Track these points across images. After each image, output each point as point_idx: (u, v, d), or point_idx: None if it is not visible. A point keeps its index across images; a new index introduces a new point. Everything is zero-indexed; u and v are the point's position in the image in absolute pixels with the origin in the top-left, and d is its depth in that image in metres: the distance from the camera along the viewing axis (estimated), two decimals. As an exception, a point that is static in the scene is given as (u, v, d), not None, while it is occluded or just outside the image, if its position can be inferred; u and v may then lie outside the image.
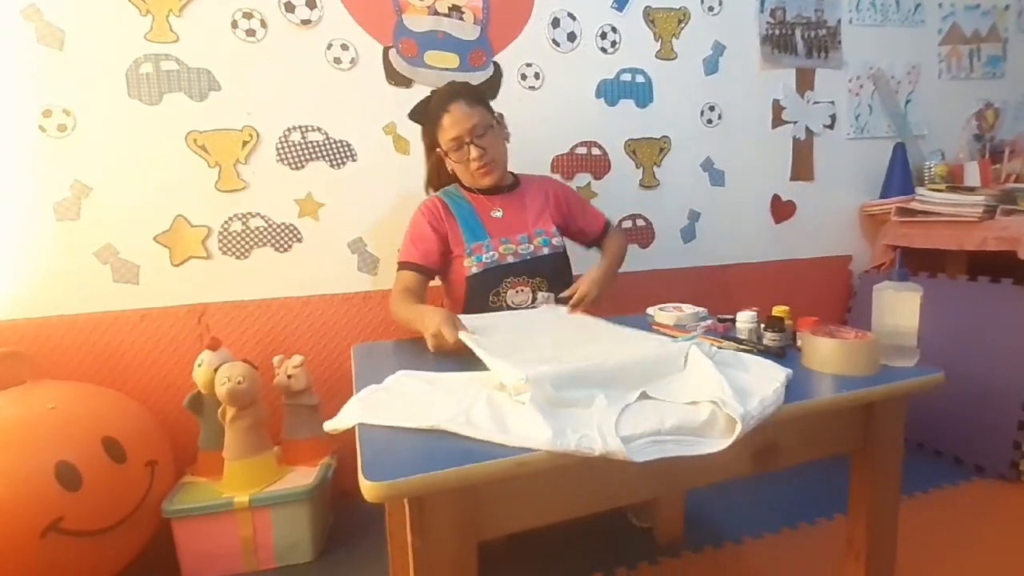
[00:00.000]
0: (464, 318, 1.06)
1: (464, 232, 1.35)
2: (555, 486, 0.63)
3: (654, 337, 0.97)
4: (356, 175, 1.64)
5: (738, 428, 0.61)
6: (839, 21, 2.07)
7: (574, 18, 1.78)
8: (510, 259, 1.33)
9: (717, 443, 0.62)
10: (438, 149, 1.36)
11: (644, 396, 0.70)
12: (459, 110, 1.28)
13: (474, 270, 1.31)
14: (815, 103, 2.08)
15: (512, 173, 1.46)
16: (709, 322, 1.09)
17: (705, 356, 0.77)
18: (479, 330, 0.99)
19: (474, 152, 1.30)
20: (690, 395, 0.69)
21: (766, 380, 0.72)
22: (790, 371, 0.75)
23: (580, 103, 1.82)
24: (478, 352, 0.82)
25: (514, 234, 1.36)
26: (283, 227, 1.61)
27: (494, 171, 1.34)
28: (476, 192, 1.39)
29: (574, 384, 0.69)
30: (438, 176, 1.46)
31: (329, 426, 0.70)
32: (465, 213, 1.37)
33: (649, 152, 1.91)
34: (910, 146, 2.16)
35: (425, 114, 1.35)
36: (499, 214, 1.38)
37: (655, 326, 1.13)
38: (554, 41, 1.77)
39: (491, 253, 1.32)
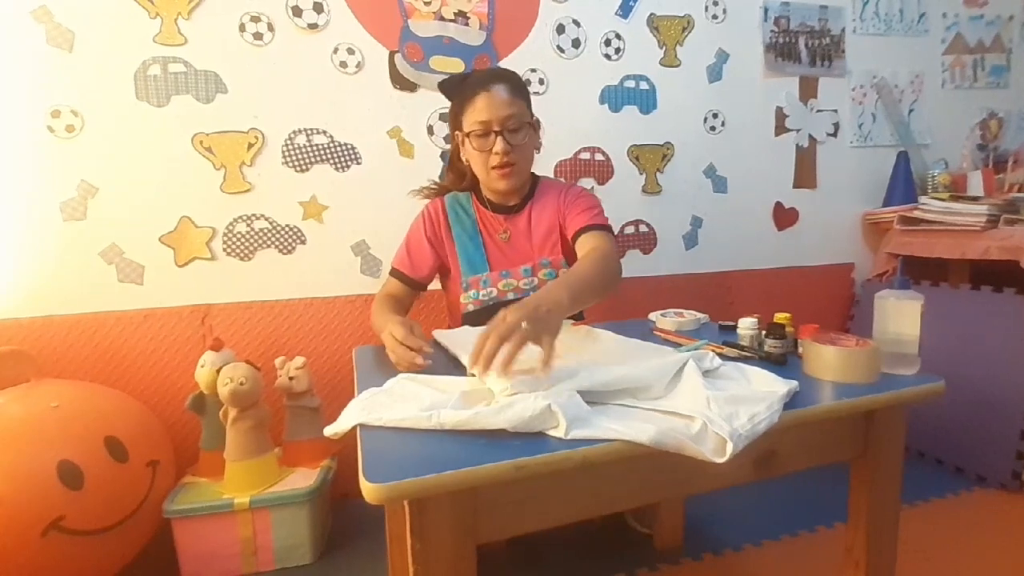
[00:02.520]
0: (456, 332, 1.02)
1: (462, 260, 1.24)
2: (554, 490, 0.63)
3: (654, 347, 0.93)
4: (360, 178, 1.65)
5: (729, 447, 0.59)
6: (843, 30, 2.08)
7: (579, 25, 1.79)
8: (510, 295, 1.20)
9: (707, 454, 0.60)
10: (458, 132, 1.19)
11: (624, 405, 0.70)
12: (499, 94, 1.12)
13: (471, 308, 1.21)
14: (818, 111, 2.08)
15: (533, 174, 1.29)
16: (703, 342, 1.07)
17: (697, 372, 0.75)
18: (468, 344, 0.92)
19: (500, 146, 1.12)
20: (674, 406, 0.68)
21: (764, 394, 0.70)
22: (795, 383, 0.73)
23: (584, 109, 1.83)
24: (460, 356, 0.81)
25: (516, 266, 1.22)
26: (287, 229, 1.62)
27: (513, 176, 1.17)
28: (486, 207, 1.27)
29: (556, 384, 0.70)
30: (451, 168, 1.31)
31: (330, 430, 0.70)
32: (465, 238, 1.24)
33: (652, 158, 1.92)
34: (913, 155, 2.16)
35: (459, 88, 1.18)
36: (505, 236, 1.25)
37: (656, 331, 1.13)
38: (559, 47, 1.78)
39: (489, 289, 1.20)
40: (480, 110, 1.11)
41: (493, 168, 1.15)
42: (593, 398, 0.69)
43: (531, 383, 0.69)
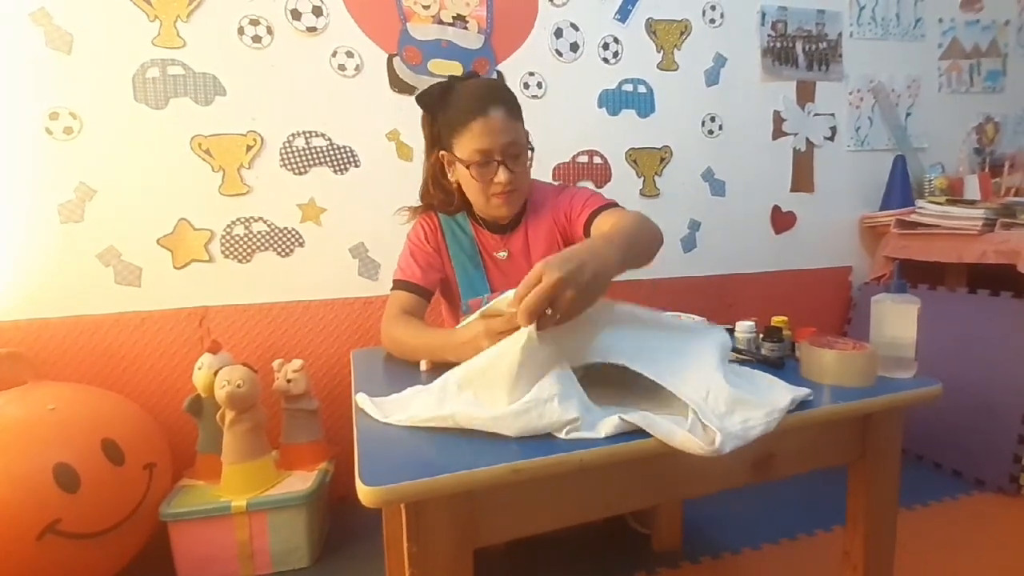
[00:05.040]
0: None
1: (461, 282, 1.17)
2: (551, 494, 0.63)
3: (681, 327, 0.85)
4: (359, 181, 1.66)
5: (718, 439, 0.59)
6: (840, 34, 2.09)
7: (577, 28, 1.80)
8: None
9: (695, 445, 0.59)
10: (442, 153, 1.10)
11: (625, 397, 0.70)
12: (500, 119, 1.02)
13: None
14: (816, 115, 2.09)
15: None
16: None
17: (719, 357, 0.73)
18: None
19: (503, 175, 1.04)
20: (669, 379, 0.67)
21: (766, 401, 0.68)
22: (806, 391, 0.72)
23: (582, 112, 1.84)
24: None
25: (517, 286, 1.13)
26: (285, 231, 1.62)
27: (514, 203, 1.10)
28: (482, 225, 1.18)
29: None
30: (435, 186, 1.17)
31: (362, 400, 0.72)
32: (464, 259, 1.17)
33: (650, 162, 1.92)
34: (910, 159, 2.17)
35: (445, 105, 1.06)
36: (503, 255, 1.18)
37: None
38: (557, 51, 1.79)
39: None
40: (479, 137, 1.01)
41: (494, 195, 1.07)
42: (591, 356, 0.71)
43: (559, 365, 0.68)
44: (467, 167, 1.05)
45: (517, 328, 0.69)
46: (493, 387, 0.66)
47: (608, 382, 0.73)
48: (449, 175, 1.13)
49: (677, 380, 0.68)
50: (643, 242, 0.89)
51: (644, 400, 0.70)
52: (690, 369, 0.71)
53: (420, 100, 1.12)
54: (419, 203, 1.22)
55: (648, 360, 0.71)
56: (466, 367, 0.70)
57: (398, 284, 1.13)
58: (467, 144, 1.03)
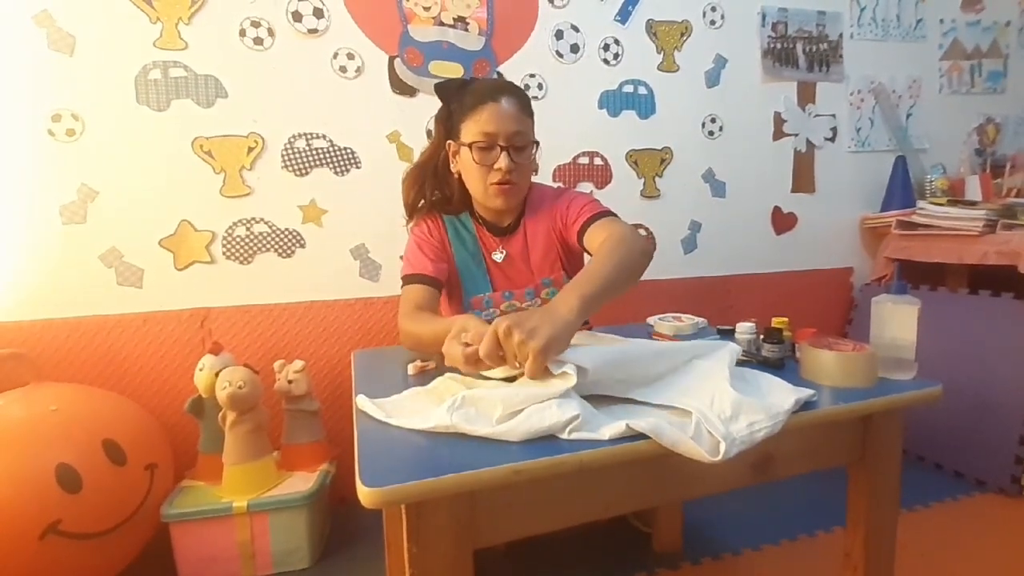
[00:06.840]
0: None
1: (464, 279, 1.18)
2: (552, 494, 0.63)
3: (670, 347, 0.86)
4: (360, 182, 1.66)
5: (722, 447, 0.59)
6: (840, 35, 2.09)
7: (577, 30, 1.80)
8: None
9: (700, 452, 0.59)
10: (448, 142, 1.12)
11: (630, 401, 0.70)
12: (510, 108, 1.05)
13: None
14: (816, 116, 2.09)
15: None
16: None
17: (724, 365, 0.74)
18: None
19: (504, 162, 1.05)
20: (677, 399, 0.68)
21: (771, 404, 0.68)
22: (811, 391, 0.72)
23: (583, 114, 1.84)
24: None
25: (518, 288, 1.17)
26: (286, 233, 1.62)
27: (512, 195, 1.10)
28: (484, 226, 1.19)
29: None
30: (436, 180, 1.18)
31: (363, 402, 0.73)
32: (467, 256, 1.18)
33: (651, 163, 1.93)
34: (911, 160, 2.17)
35: (462, 94, 1.10)
36: (500, 257, 1.18)
37: (655, 336, 1.13)
38: (557, 52, 1.79)
39: (491, 310, 1.15)
40: (487, 121, 1.04)
41: (492, 184, 1.07)
42: (600, 390, 0.71)
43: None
44: (470, 149, 1.06)
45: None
46: (495, 404, 0.66)
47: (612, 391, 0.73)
48: (452, 167, 1.14)
49: (685, 398, 0.69)
50: (615, 279, 0.88)
51: (646, 398, 0.71)
52: (696, 384, 0.72)
53: (439, 89, 1.15)
54: (412, 213, 1.22)
55: (659, 389, 0.72)
56: (472, 394, 0.69)
57: (408, 279, 1.12)
58: (474, 127, 1.05)
